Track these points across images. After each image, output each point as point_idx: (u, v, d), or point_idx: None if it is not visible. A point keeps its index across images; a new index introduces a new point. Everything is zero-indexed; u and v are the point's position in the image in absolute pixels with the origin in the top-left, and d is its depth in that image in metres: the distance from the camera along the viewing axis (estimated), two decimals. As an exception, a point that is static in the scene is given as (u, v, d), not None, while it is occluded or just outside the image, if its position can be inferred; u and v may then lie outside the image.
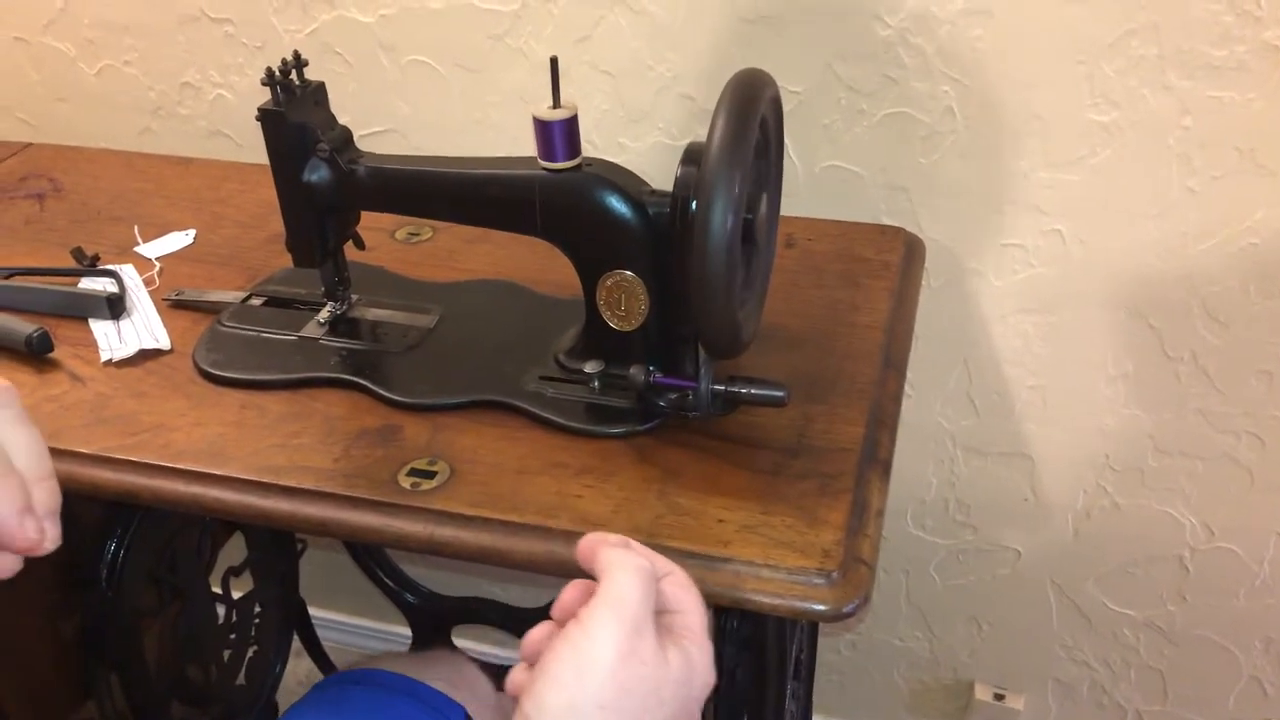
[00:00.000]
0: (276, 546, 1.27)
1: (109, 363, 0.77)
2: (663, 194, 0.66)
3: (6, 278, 0.86)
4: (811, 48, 0.89)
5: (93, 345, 0.79)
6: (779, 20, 0.89)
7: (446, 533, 0.63)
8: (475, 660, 0.99)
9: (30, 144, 1.13)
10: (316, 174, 0.72)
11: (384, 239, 0.91)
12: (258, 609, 1.27)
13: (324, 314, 0.80)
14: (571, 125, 0.65)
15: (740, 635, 0.68)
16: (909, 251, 0.89)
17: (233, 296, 0.83)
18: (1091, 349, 0.97)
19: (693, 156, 0.62)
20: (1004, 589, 1.17)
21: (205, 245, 0.93)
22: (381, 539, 0.64)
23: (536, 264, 0.85)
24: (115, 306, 0.82)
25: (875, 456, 0.67)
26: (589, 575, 0.49)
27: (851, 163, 0.94)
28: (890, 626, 1.26)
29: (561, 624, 0.47)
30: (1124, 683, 1.20)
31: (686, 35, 0.91)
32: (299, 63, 0.71)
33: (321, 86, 0.73)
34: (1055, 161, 0.88)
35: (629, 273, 0.68)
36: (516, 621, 1.23)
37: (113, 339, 0.79)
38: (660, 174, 0.77)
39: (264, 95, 0.70)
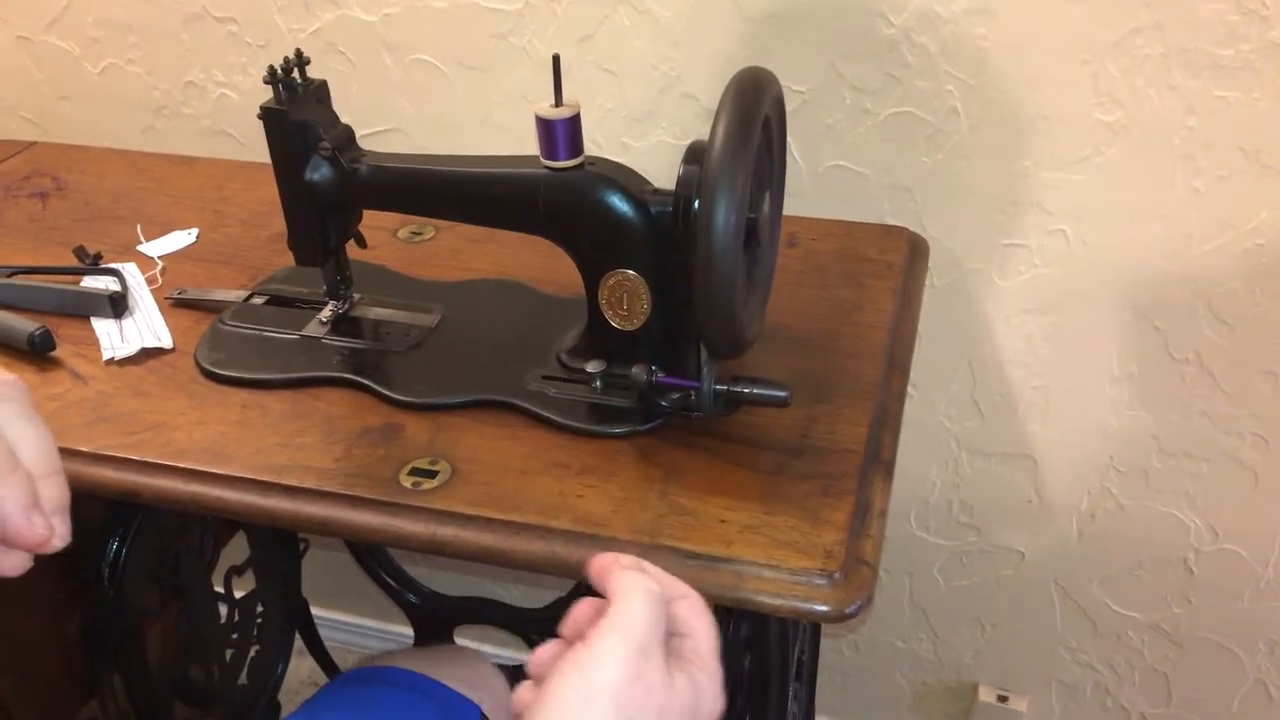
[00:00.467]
0: (279, 546, 1.27)
1: (111, 361, 0.77)
2: (665, 193, 0.66)
3: (9, 276, 0.86)
4: (815, 47, 0.89)
5: (95, 344, 0.79)
6: (782, 19, 0.88)
7: (448, 532, 0.63)
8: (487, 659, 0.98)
9: (34, 143, 1.13)
10: (318, 172, 0.72)
11: (386, 238, 0.91)
12: (260, 608, 1.27)
13: (326, 313, 0.80)
14: (574, 124, 0.65)
15: (742, 636, 0.68)
16: (913, 251, 0.89)
17: (235, 295, 0.83)
18: (1096, 350, 0.97)
19: (695, 155, 0.62)
20: (1007, 591, 1.17)
21: (207, 244, 0.93)
22: (383, 538, 0.64)
23: (539, 263, 0.85)
24: (117, 305, 0.82)
25: (878, 457, 0.67)
26: (593, 576, 0.49)
27: (855, 162, 0.94)
28: (893, 628, 1.26)
29: (570, 643, 0.47)
30: (1128, 685, 1.20)
31: (690, 34, 0.91)
32: (301, 61, 0.71)
33: (324, 85, 0.73)
34: (1059, 161, 0.88)
35: (631, 272, 0.67)
36: (519, 621, 1.23)
37: (115, 338, 0.79)
38: (663, 173, 0.77)
39: (267, 94, 0.70)
